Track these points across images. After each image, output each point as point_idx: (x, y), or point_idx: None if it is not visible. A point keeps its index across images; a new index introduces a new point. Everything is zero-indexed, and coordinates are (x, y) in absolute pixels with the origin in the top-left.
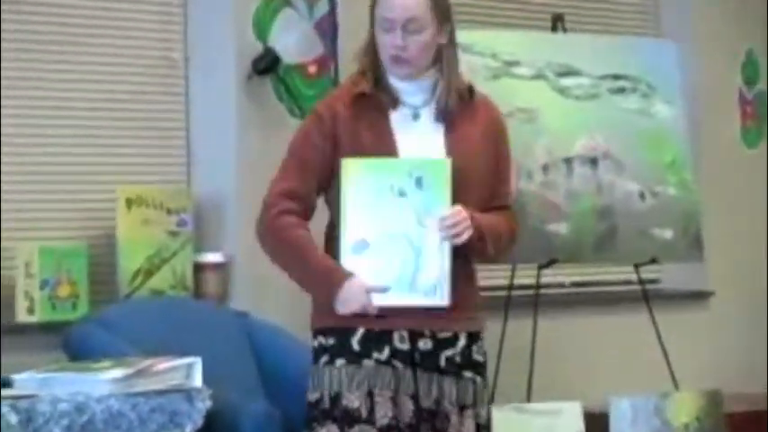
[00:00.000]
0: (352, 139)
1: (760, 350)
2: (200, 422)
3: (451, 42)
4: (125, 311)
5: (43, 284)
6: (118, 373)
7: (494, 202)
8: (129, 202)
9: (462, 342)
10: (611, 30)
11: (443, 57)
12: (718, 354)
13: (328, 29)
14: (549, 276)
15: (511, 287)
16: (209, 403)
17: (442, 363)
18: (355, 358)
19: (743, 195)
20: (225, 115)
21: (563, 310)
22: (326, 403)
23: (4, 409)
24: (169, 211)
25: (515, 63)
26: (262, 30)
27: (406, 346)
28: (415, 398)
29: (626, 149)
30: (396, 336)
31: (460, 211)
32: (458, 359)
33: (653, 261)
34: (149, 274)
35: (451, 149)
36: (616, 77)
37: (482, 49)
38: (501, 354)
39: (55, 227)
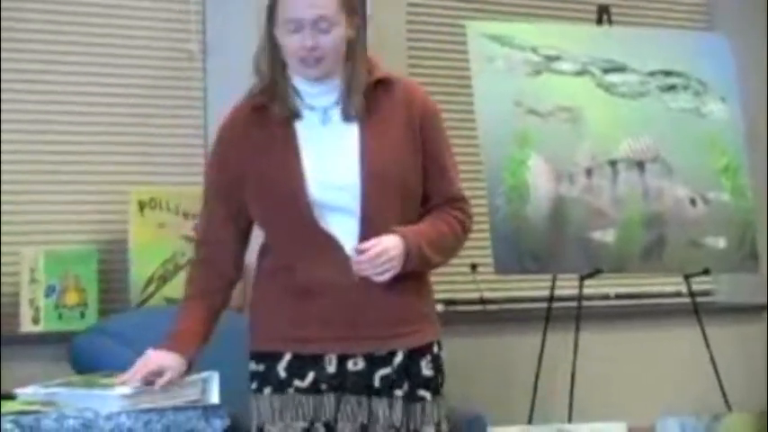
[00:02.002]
0: (255, 162)
1: None
2: None
3: (359, 36)
4: (137, 321)
5: (49, 291)
6: (129, 388)
7: (435, 200)
8: (142, 205)
9: (399, 359)
10: (660, 23)
11: (351, 52)
12: None
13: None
14: (592, 287)
15: (551, 299)
16: (227, 421)
17: (376, 383)
18: (281, 386)
19: None
20: None
21: (607, 323)
22: None
23: (7, 426)
24: (185, 215)
25: (557, 58)
26: None
27: (332, 369)
28: (328, 425)
29: (676, 152)
30: (326, 359)
31: (378, 246)
32: (394, 377)
33: (705, 272)
34: (163, 281)
35: (366, 150)
36: (666, 74)
37: (522, 43)
38: (540, 370)
39: (62, 230)
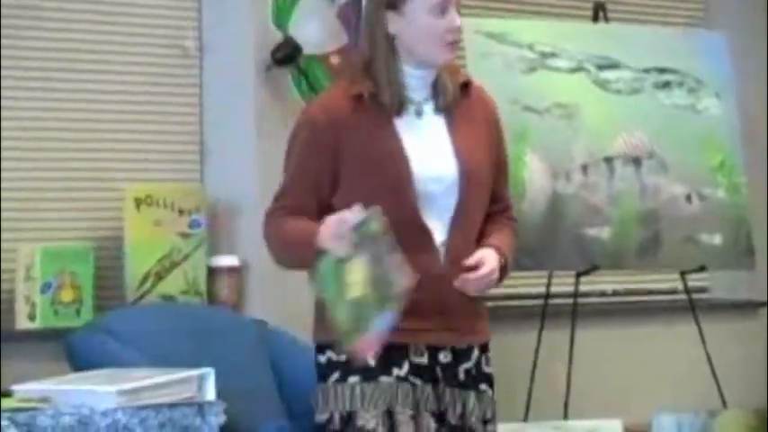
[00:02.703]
0: (356, 149)
1: None
2: None
3: None
4: (133, 318)
5: (45, 288)
6: (125, 384)
7: (496, 206)
8: (139, 201)
9: (476, 354)
10: (656, 20)
11: None
12: None
13: (352, 16)
14: (588, 284)
15: (548, 295)
16: (222, 418)
17: (461, 376)
18: (371, 375)
19: None
20: (241, 108)
21: (603, 320)
22: (337, 424)
23: (4, 423)
24: (181, 212)
25: (553, 55)
26: (281, 17)
27: (425, 361)
28: (436, 415)
29: (672, 149)
30: (412, 349)
31: (487, 267)
32: (473, 372)
33: (701, 269)
34: (159, 278)
35: (459, 146)
36: (661, 71)
37: (517, 40)
38: (536, 367)
39: (58, 227)
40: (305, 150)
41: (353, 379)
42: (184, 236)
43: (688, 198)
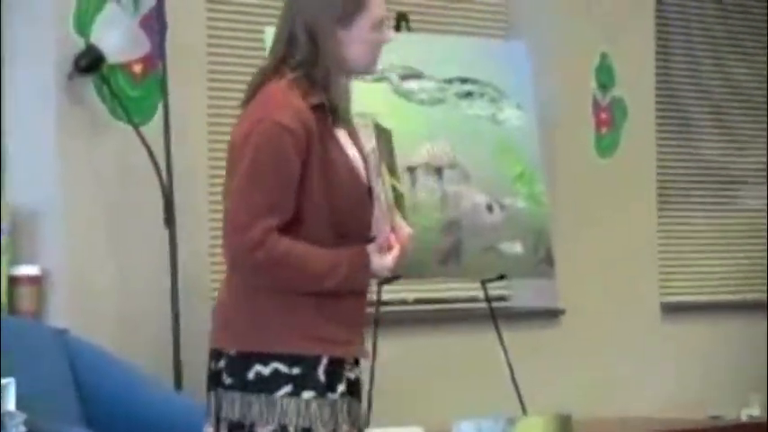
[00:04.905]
0: (322, 157)
1: (612, 371)
2: None
3: None
4: None
5: None
6: None
7: None
8: None
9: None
10: (458, 30)
11: None
12: (570, 375)
13: (155, 25)
14: (390, 293)
15: None
16: (23, 429)
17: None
18: (323, 391)
19: (596, 208)
20: (43, 116)
21: (406, 328)
22: None
23: None
24: None
25: None
26: (83, 25)
27: (353, 375)
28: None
29: (473, 158)
30: (345, 365)
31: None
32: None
33: (501, 277)
34: None
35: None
36: (463, 81)
37: None
38: None
39: None
40: (284, 158)
41: (308, 395)
42: None
43: (489, 207)
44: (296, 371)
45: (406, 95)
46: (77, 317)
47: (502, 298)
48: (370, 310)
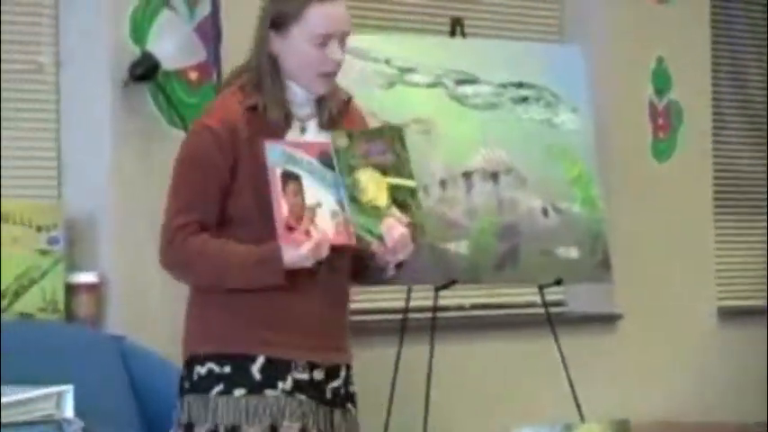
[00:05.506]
0: (251, 160)
1: (669, 376)
2: None
3: None
4: None
5: None
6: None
7: None
8: None
9: (343, 373)
10: (513, 35)
11: None
12: (628, 381)
13: (210, 32)
14: (447, 298)
15: (407, 310)
16: None
17: (328, 395)
18: (257, 388)
19: (653, 212)
20: (99, 124)
21: (462, 334)
22: None
23: None
24: (39, 228)
25: (411, 70)
26: (139, 33)
27: (306, 377)
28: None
29: (529, 163)
30: (293, 365)
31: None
32: (342, 391)
33: (557, 282)
34: (17, 295)
35: None
36: (518, 86)
37: (376, 55)
38: (395, 381)
39: None
40: (206, 161)
41: (239, 392)
42: (42, 253)
43: (545, 212)
44: (227, 369)
45: (462, 101)
46: (134, 323)
47: (559, 303)
48: (419, 315)
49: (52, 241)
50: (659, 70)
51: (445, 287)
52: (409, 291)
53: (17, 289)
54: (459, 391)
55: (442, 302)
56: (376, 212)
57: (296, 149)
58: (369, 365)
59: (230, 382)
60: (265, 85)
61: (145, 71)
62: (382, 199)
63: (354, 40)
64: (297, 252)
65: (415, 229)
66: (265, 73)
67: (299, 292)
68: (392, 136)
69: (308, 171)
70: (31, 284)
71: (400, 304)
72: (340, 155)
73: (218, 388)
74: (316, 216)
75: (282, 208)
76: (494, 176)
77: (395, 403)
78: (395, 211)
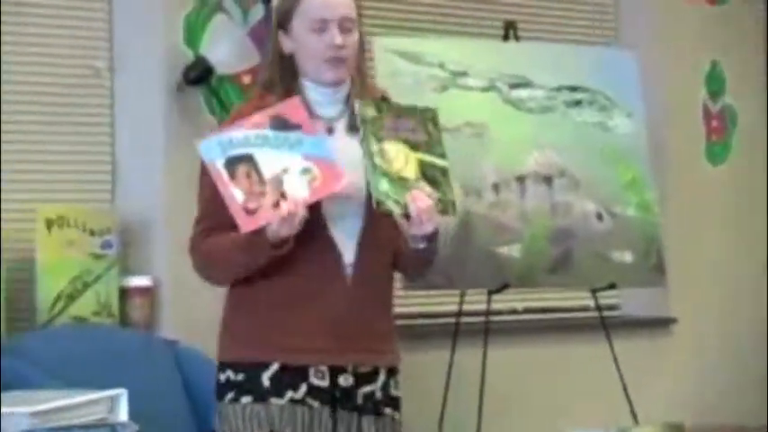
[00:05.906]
0: None
1: (725, 380)
2: None
3: (362, 48)
4: (44, 340)
5: None
6: (38, 406)
7: None
8: (50, 223)
9: (382, 378)
10: (567, 38)
11: (360, 62)
12: (682, 385)
13: (264, 36)
14: (500, 302)
15: (460, 313)
16: None
17: (359, 400)
18: (263, 396)
19: (707, 216)
20: (153, 129)
21: (515, 337)
22: None
23: None
24: (93, 232)
25: (464, 73)
26: (193, 37)
27: (325, 383)
28: None
29: (583, 167)
30: (312, 371)
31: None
32: (378, 395)
33: (611, 286)
34: (71, 299)
35: None
36: (572, 89)
37: (429, 59)
38: (449, 385)
39: None
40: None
41: (245, 399)
42: (96, 257)
43: (599, 216)
44: (240, 377)
45: (515, 104)
46: (187, 327)
47: (613, 307)
48: (472, 318)
49: (106, 245)
50: (714, 74)
51: (498, 291)
52: (462, 295)
53: (71, 292)
54: (512, 395)
55: (495, 306)
56: (403, 183)
57: (235, 131)
58: (422, 369)
59: (240, 390)
60: (275, 88)
61: (198, 75)
62: (411, 171)
63: (408, 44)
64: (271, 228)
65: (446, 204)
66: (275, 75)
67: (323, 296)
68: (424, 116)
69: (260, 144)
70: (85, 288)
71: (453, 308)
72: (367, 124)
73: (230, 395)
74: (283, 183)
75: (235, 196)
76: (547, 180)
77: (448, 407)
78: (424, 185)
